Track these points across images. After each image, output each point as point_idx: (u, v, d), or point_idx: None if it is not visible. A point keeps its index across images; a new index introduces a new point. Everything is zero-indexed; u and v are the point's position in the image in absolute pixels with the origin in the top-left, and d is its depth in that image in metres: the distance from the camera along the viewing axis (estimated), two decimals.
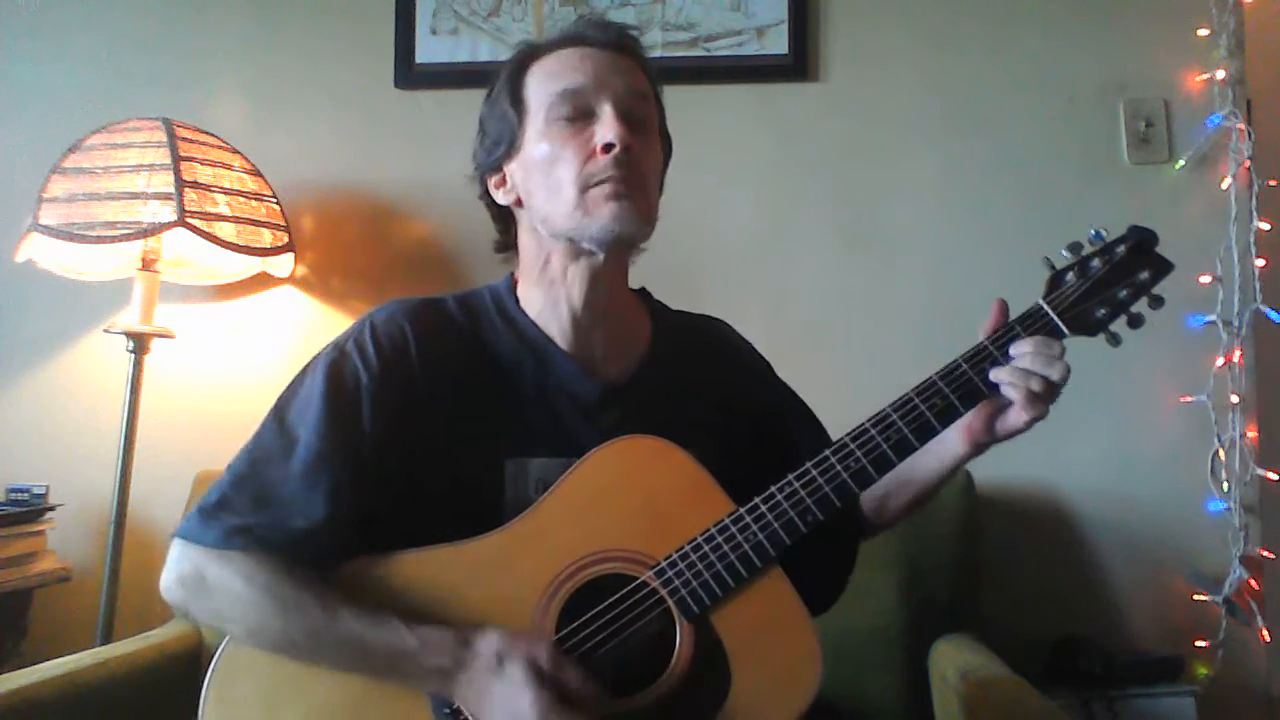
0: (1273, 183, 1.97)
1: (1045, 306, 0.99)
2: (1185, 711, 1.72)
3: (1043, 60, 2.05)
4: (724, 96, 2.07)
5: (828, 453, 0.97)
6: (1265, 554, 1.90)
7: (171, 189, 1.73)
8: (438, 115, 2.07)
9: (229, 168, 1.86)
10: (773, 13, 2.06)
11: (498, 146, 1.08)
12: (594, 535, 0.97)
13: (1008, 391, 0.96)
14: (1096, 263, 1.00)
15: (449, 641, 0.91)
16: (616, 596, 0.95)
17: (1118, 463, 1.94)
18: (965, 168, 2.03)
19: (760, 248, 2.04)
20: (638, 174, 1.02)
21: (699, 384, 1.13)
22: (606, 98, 1.03)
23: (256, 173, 1.92)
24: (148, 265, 1.84)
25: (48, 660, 1.39)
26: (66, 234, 1.71)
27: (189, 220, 1.72)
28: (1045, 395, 0.95)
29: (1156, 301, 1.00)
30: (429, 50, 2.10)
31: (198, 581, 0.97)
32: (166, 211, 1.72)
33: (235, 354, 2.04)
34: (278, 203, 1.94)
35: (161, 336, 1.87)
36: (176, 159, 1.76)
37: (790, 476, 0.97)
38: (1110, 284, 0.99)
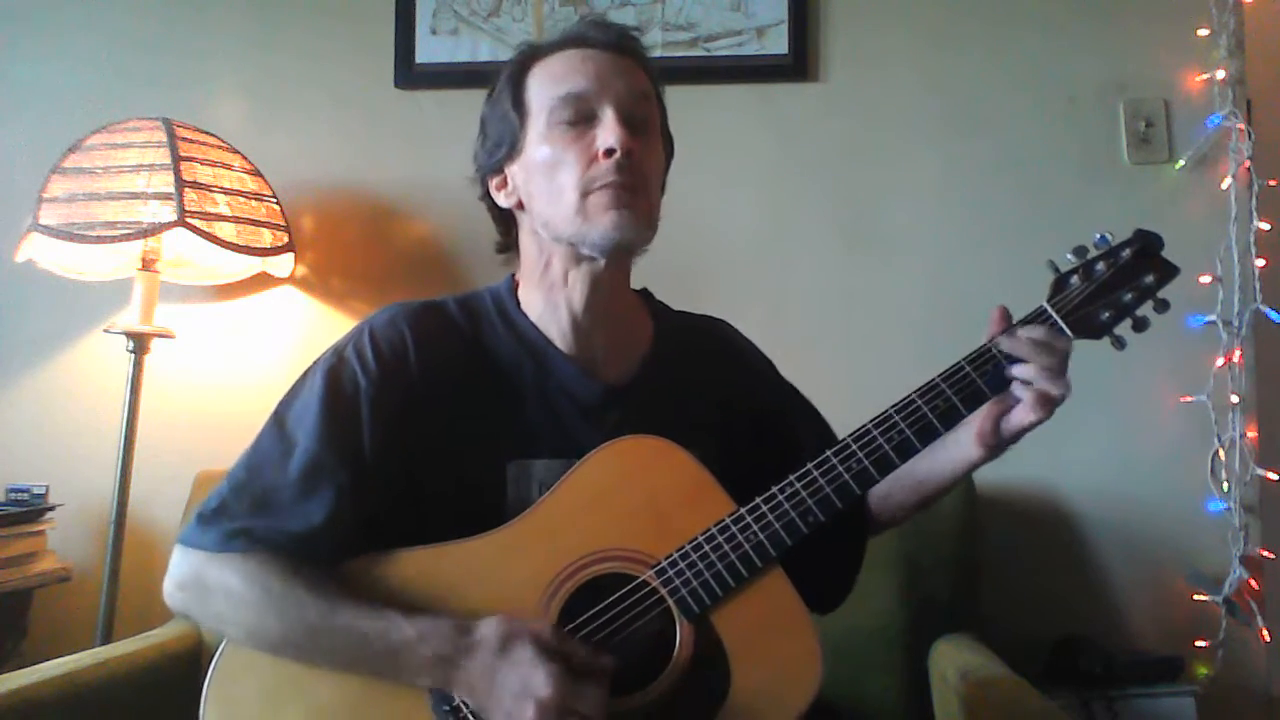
0: (1273, 183, 1.97)
1: (1049, 309, 0.99)
2: (1185, 711, 1.72)
3: (1043, 60, 2.05)
4: (724, 96, 2.07)
5: (829, 453, 0.97)
6: (1265, 554, 1.90)
7: (171, 189, 1.73)
8: (438, 115, 2.07)
9: (229, 168, 1.86)
10: (773, 13, 2.06)
11: (499, 148, 1.08)
12: (595, 534, 0.97)
13: (1017, 389, 0.96)
14: (1101, 266, 1.00)
15: (448, 630, 0.90)
16: (617, 595, 0.95)
17: (1118, 463, 1.95)
18: (965, 168, 2.04)
19: (760, 248, 2.04)
20: (639, 178, 1.02)
21: (701, 384, 1.12)
22: (608, 101, 1.02)
23: (256, 173, 1.92)
24: (148, 265, 1.84)
25: (48, 660, 1.39)
26: (66, 234, 1.71)
27: (189, 220, 1.72)
28: (1056, 378, 0.94)
29: (1162, 305, 1.00)
30: (429, 50, 2.09)
31: (197, 585, 0.98)
32: (166, 211, 1.72)
33: (235, 354, 2.04)
34: (278, 203, 1.94)
35: (161, 336, 1.87)
36: (176, 159, 1.76)
37: (792, 476, 0.97)
38: (1115, 287, 0.99)
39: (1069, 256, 1.01)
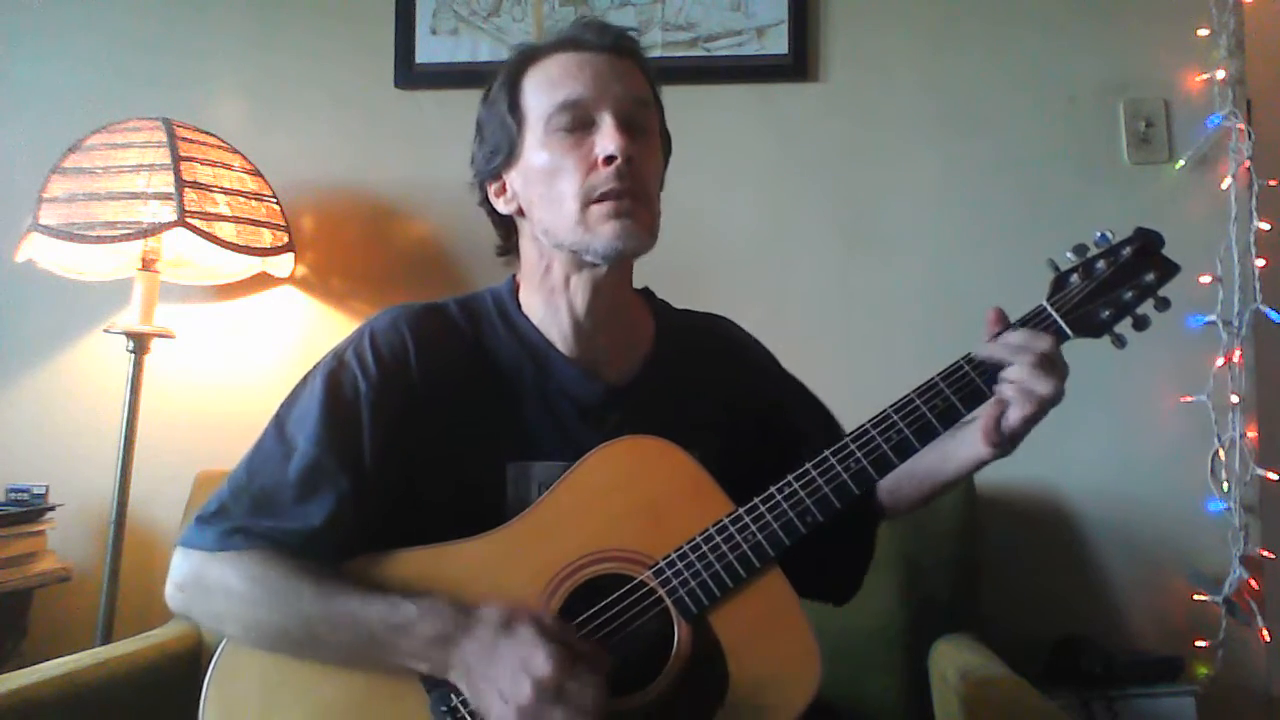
0: (1273, 183, 1.97)
1: (1049, 308, 0.98)
2: (1185, 711, 1.72)
3: (1043, 60, 2.05)
4: (724, 96, 2.07)
5: (828, 453, 0.97)
6: (1265, 554, 1.90)
7: (171, 189, 1.73)
8: (438, 115, 2.07)
9: (229, 168, 1.86)
10: (773, 13, 2.06)
11: (496, 155, 1.07)
12: (593, 535, 0.97)
13: (1003, 388, 0.95)
14: (1101, 264, 0.99)
15: (448, 609, 0.91)
16: (615, 596, 0.95)
17: (1118, 463, 1.94)
18: (965, 168, 2.03)
19: (760, 248, 2.04)
20: (640, 185, 1.01)
21: (702, 383, 1.12)
22: (606, 107, 1.01)
23: (256, 173, 1.92)
24: (148, 265, 1.84)
25: (48, 660, 1.39)
26: (66, 234, 1.71)
27: (189, 220, 1.72)
28: (1039, 374, 0.93)
29: (1162, 304, 0.99)
30: (429, 50, 2.10)
31: (196, 584, 0.98)
32: (166, 211, 1.72)
33: (235, 354, 2.04)
34: (278, 203, 1.94)
35: (161, 336, 1.87)
36: (176, 159, 1.76)
37: (790, 477, 0.97)
38: (1115, 286, 0.99)
39: (1069, 255, 1.00)
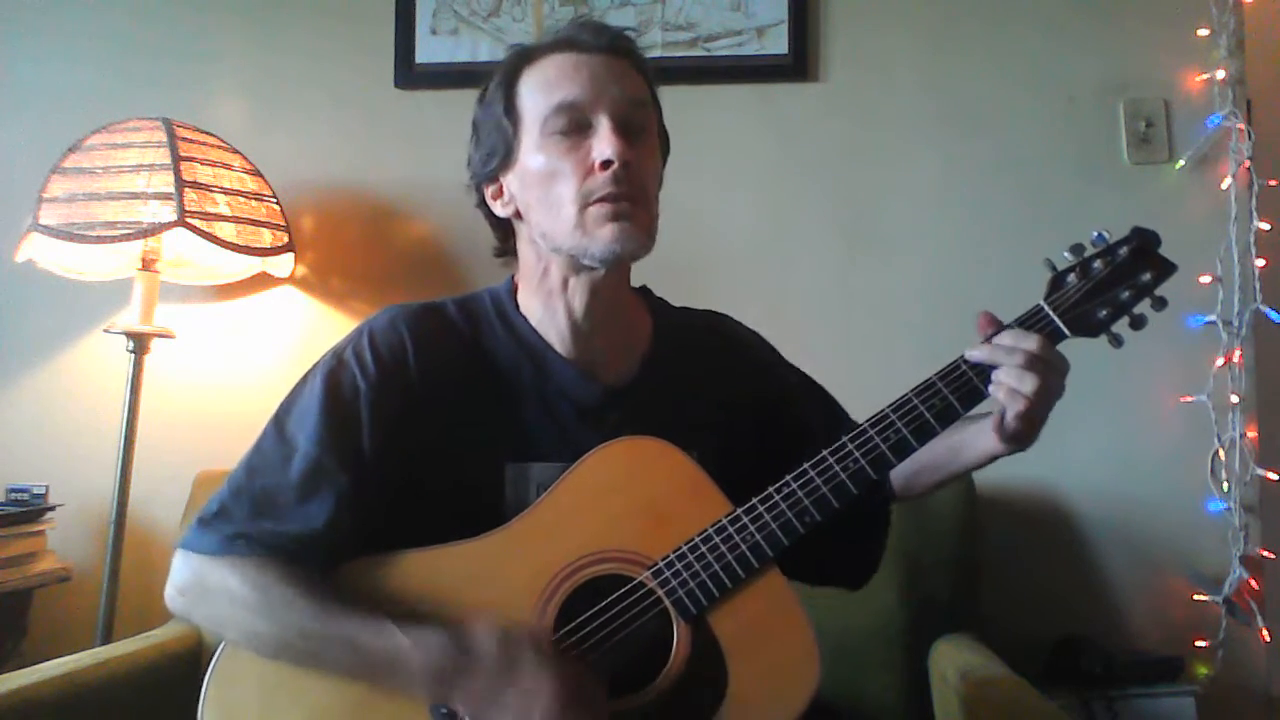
0: (1273, 183, 1.97)
1: (1046, 307, 0.98)
2: (1185, 711, 1.72)
3: (1042, 60, 2.05)
4: (724, 96, 2.07)
5: (826, 453, 0.97)
6: (1265, 554, 1.90)
7: (171, 189, 1.73)
8: (438, 115, 2.07)
9: (229, 168, 1.86)
10: (773, 13, 2.06)
11: (492, 158, 1.07)
12: (592, 536, 0.97)
13: (992, 388, 0.96)
14: (1098, 264, 0.99)
15: (444, 642, 0.90)
16: (614, 597, 0.95)
17: (1118, 463, 1.94)
18: (965, 168, 2.03)
19: (760, 248, 2.04)
20: (638, 189, 1.01)
21: (700, 382, 1.12)
22: (603, 109, 1.01)
23: (256, 173, 1.92)
24: (148, 265, 1.85)
25: (48, 660, 1.39)
26: (66, 234, 1.71)
27: (189, 220, 1.72)
28: (1024, 374, 0.93)
29: (1159, 303, 0.99)
30: (429, 50, 2.10)
31: (197, 588, 0.98)
32: (166, 211, 1.72)
33: (235, 354, 2.04)
34: (278, 203, 1.94)
35: (161, 336, 1.87)
36: (176, 159, 1.76)
37: (789, 477, 0.97)
38: (1112, 285, 0.99)
39: (1066, 254, 1.00)
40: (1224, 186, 1.98)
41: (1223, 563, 1.89)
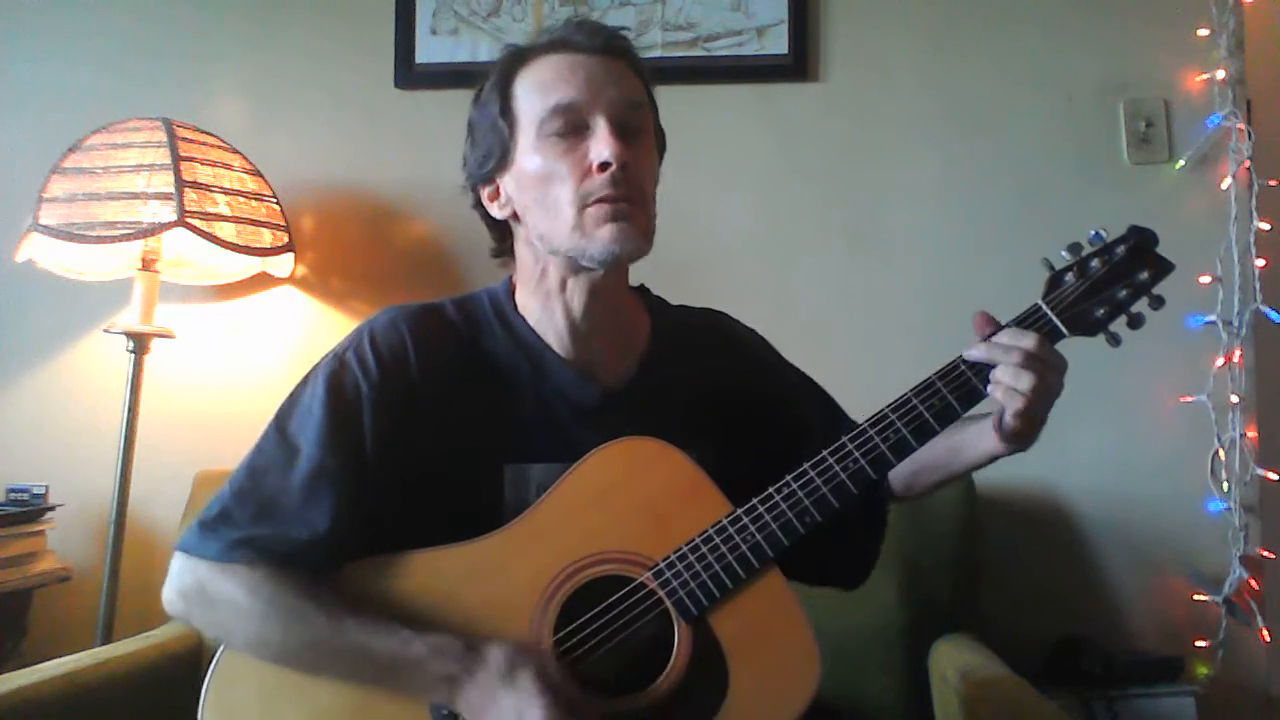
0: (1273, 183, 1.97)
1: (1044, 306, 0.98)
2: (1185, 711, 1.72)
3: (1042, 60, 2.05)
4: (724, 96, 2.07)
5: (825, 453, 0.97)
6: (1265, 554, 1.90)
7: (171, 189, 1.73)
8: (438, 115, 2.07)
9: (229, 168, 1.86)
10: (773, 13, 2.06)
11: (488, 159, 1.06)
12: (592, 537, 0.97)
13: (990, 388, 0.96)
14: (1096, 263, 0.99)
15: (457, 649, 0.91)
16: (615, 598, 0.95)
17: (1118, 463, 1.94)
18: (965, 168, 2.03)
19: (760, 248, 2.04)
20: (635, 189, 1.01)
21: (699, 381, 1.12)
22: (600, 111, 1.00)
23: (256, 173, 1.92)
24: (148, 265, 1.85)
25: (48, 660, 1.39)
26: (66, 234, 1.72)
27: (189, 220, 1.72)
28: (1020, 372, 0.93)
29: (1157, 302, 0.99)
30: (429, 50, 2.10)
31: (199, 595, 0.97)
32: (166, 211, 1.72)
33: (235, 354, 2.04)
34: (278, 203, 1.94)
35: (161, 336, 1.87)
36: (176, 159, 1.76)
37: (789, 477, 0.97)
38: (1110, 284, 0.99)
39: (1063, 254, 1.00)
40: (1224, 186, 1.98)
41: (1223, 563, 1.89)
